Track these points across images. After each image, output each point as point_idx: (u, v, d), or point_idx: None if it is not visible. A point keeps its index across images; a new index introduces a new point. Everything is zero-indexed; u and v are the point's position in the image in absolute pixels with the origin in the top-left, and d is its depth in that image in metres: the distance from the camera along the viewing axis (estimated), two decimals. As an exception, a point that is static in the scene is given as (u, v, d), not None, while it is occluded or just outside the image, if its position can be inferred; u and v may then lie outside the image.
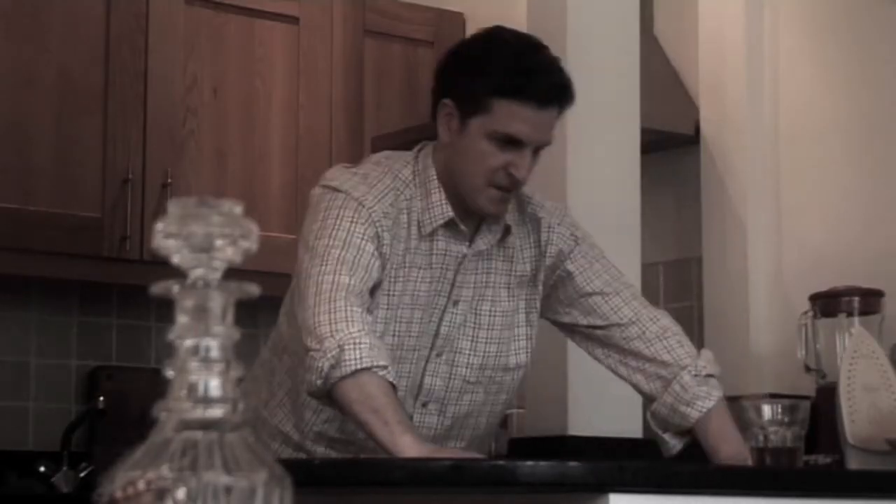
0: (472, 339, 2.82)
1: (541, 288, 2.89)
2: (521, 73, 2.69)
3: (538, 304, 2.90)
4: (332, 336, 2.53)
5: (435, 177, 2.77)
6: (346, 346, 2.51)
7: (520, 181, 2.71)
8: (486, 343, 2.83)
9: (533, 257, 2.88)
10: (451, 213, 2.76)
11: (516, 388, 2.96)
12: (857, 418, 2.94)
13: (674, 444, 2.87)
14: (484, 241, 2.82)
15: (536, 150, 2.72)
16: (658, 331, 2.88)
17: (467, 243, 2.81)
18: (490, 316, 2.84)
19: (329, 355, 2.52)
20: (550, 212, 2.91)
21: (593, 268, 2.89)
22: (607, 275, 2.90)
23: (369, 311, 2.64)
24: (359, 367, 2.50)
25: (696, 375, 2.83)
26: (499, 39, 2.77)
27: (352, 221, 2.70)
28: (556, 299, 2.91)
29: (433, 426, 2.83)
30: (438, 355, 2.80)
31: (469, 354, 2.82)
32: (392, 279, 2.75)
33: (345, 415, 2.60)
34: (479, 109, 2.69)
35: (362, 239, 2.68)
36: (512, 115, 2.67)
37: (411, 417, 2.73)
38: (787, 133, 4.04)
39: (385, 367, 2.51)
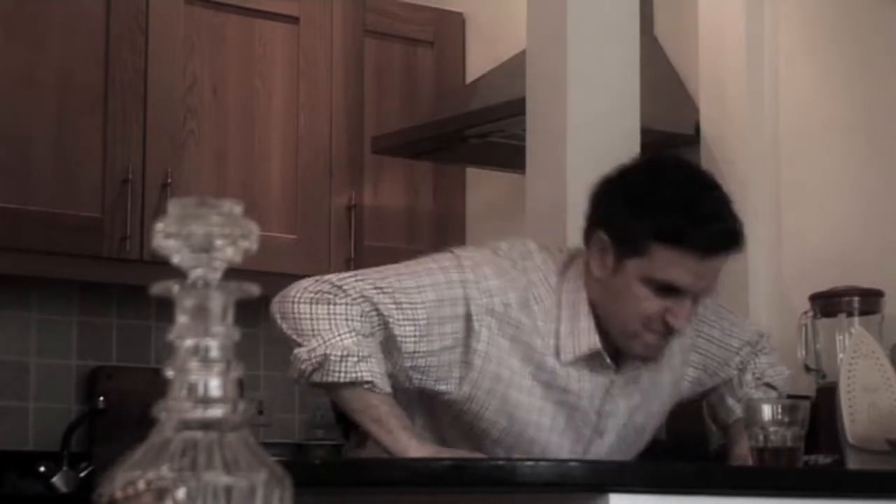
0: (620, 437, 2.68)
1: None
2: (685, 218, 2.47)
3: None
4: (317, 336, 2.45)
5: (586, 301, 2.55)
6: (332, 356, 2.44)
7: (677, 330, 2.51)
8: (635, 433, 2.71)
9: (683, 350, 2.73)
10: (598, 345, 2.55)
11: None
12: (857, 418, 2.94)
13: (719, 436, 2.89)
14: (633, 365, 2.61)
15: (697, 297, 2.52)
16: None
17: (613, 369, 2.60)
18: (645, 418, 2.69)
19: (313, 359, 2.45)
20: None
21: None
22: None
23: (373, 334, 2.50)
24: (343, 380, 2.44)
25: (757, 378, 2.83)
26: (664, 174, 2.56)
27: (445, 273, 2.53)
28: None
29: None
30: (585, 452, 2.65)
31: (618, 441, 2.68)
32: (510, 400, 2.56)
33: (346, 412, 2.58)
34: (636, 252, 2.47)
35: (448, 289, 2.51)
36: (672, 264, 2.46)
37: None
38: (787, 133, 4.03)
39: (370, 383, 2.44)
